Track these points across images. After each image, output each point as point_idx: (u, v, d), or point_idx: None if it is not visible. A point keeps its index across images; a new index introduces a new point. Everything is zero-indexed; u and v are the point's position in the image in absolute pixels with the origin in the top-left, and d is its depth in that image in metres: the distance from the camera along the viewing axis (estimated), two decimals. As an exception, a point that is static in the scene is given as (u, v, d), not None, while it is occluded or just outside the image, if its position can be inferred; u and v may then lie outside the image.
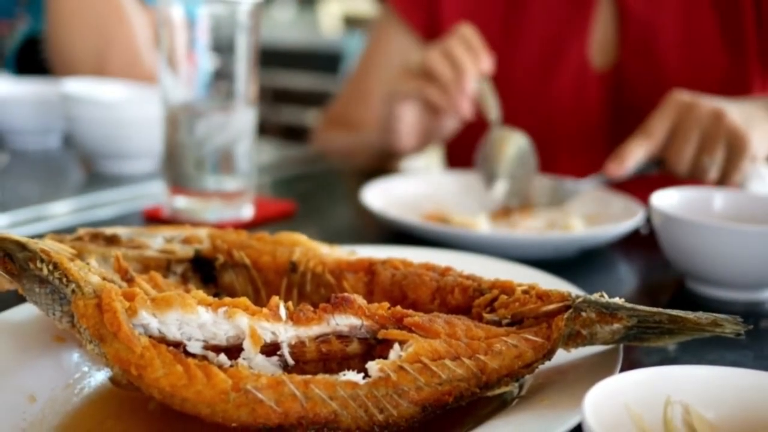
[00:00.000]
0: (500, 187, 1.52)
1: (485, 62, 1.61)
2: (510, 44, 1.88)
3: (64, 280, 0.75)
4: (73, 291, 0.75)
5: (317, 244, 0.96)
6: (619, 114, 1.80)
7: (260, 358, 0.73)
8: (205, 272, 0.96)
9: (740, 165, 1.40)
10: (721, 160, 1.40)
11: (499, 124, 1.60)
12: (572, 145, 1.85)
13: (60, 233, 0.96)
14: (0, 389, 0.76)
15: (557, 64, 1.84)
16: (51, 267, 0.76)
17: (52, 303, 0.77)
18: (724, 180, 1.43)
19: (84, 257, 0.88)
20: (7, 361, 0.80)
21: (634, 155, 1.40)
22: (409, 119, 1.69)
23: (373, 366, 0.72)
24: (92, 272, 0.78)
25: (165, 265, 0.94)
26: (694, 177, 1.42)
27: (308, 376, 0.70)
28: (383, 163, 1.89)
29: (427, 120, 1.70)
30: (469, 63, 1.59)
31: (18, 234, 0.80)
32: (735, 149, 1.39)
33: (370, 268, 0.90)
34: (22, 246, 0.78)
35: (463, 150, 1.84)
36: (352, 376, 0.71)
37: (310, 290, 0.91)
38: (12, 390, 0.77)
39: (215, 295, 0.90)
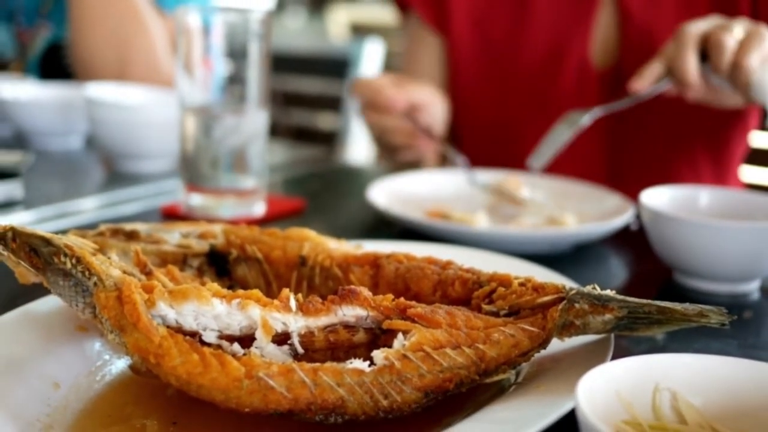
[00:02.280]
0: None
1: (395, 107, 1.63)
2: (516, 42, 1.87)
3: (87, 273, 0.75)
4: (95, 284, 0.75)
5: (325, 238, 0.96)
6: (617, 112, 1.79)
7: (272, 347, 0.73)
8: (220, 266, 0.96)
9: (760, 44, 1.35)
10: (739, 34, 1.36)
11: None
12: (572, 140, 1.84)
13: (82, 229, 0.96)
14: (26, 376, 0.76)
15: (560, 62, 1.83)
16: (74, 261, 0.76)
17: (75, 295, 0.77)
18: (739, 58, 1.35)
19: (105, 252, 0.88)
20: (33, 350, 0.80)
21: (651, 69, 1.43)
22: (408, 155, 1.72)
23: (378, 354, 0.72)
24: (113, 266, 0.78)
25: (182, 259, 0.94)
26: (702, 82, 1.42)
27: (317, 364, 0.70)
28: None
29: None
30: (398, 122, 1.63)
31: (43, 230, 0.80)
32: (752, 32, 1.36)
33: (375, 262, 0.90)
34: (46, 241, 0.78)
35: (481, 151, 1.84)
36: (359, 364, 0.71)
37: (318, 283, 0.91)
38: (37, 377, 0.77)
39: (229, 288, 0.90)
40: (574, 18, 1.83)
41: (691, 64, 1.38)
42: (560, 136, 1.50)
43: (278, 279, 0.93)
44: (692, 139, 1.79)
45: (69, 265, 0.76)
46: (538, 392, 0.74)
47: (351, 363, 0.71)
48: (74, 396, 0.78)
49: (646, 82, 1.43)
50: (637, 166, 1.80)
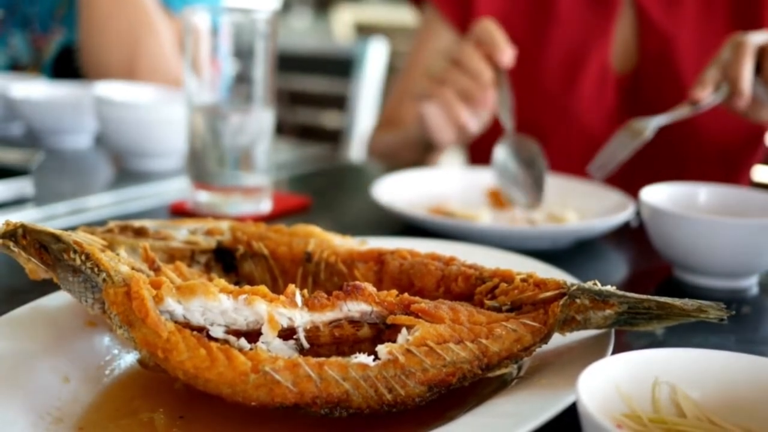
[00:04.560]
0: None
1: (504, 58, 1.53)
2: (538, 46, 1.86)
3: (96, 269, 0.76)
4: (104, 280, 0.75)
5: (331, 235, 0.96)
6: (635, 116, 1.79)
7: (278, 342, 0.73)
8: (227, 262, 0.96)
9: None
10: None
11: (511, 133, 1.54)
12: (590, 143, 1.83)
13: (92, 226, 0.96)
14: (37, 370, 0.77)
15: (581, 66, 1.82)
16: (83, 257, 0.76)
17: (84, 291, 0.77)
18: None
19: (114, 248, 0.88)
20: (43, 345, 0.80)
21: (709, 76, 1.40)
22: (438, 117, 1.61)
23: (382, 349, 0.72)
24: (122, 262, 0.78)
25: (189, 256, 0.95)
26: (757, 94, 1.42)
27: (322, 359, 0.70)
28: (426, 158, 1.86)
29: (454, 117, 1.60)
30: (484, 69, 1.52)
31: (53, 227, 0.80)
32: None
33: (379, 258, 0.90)
34: (56, 238, 0.78)
35: (485, 149, 1.83)
36: (363, 358, 0.71)
37: (324, 279, 0.91)
38: (48, 371, 0.77)
39: (236, 284, 0.90)
40: (595, 23, 1.82)
41: (747, 72, 1.38)
42: (623, 147, 1.44)
43: (284, 275, 0.93)
44: (703, 140, 1.78)
45: (78, 262, 0.76)
46: (539, 386, 0.74)
47: (356, 357, 0.71)
48: (84, 390, 0.78)
49: (707, 89, 1.40)
50: (649, 166, 1.80)
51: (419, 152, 1.83)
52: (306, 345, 0.75)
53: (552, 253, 1.25)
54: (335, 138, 3.19)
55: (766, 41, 1.39)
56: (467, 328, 0.75)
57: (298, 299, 0.76)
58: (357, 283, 0.78)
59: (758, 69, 1.40)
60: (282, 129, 3.20)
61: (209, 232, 0.97)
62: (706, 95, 1.39)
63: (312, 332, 0.75)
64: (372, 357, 0.71)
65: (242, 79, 1.37)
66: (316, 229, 0.96)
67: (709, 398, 0.68)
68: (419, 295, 0.81)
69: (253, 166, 1.40)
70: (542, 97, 1.85)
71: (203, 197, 1.40)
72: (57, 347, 0.81)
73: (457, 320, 0.76)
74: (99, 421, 0.74)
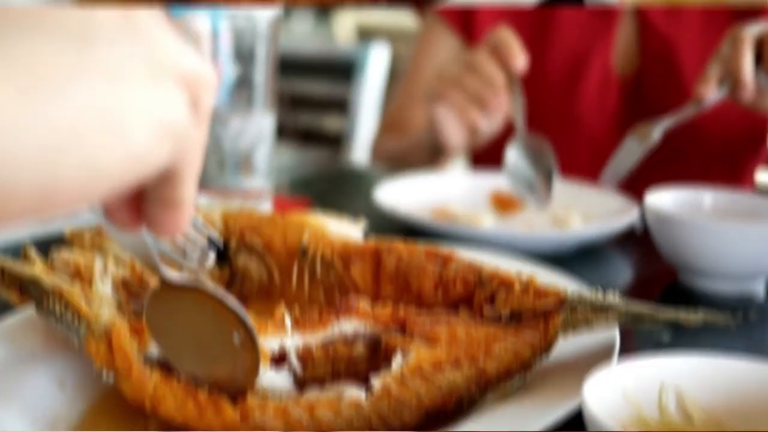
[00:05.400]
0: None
1: (518, 63, 1.52)
2: (539, 50, 1.85)
3: (77, 318, 0.74)
4: (85, 330, 0.74)
5: (326, 221, 0.95)
6: (636, 119, 1.78)
7: (270, 375, 0.72)
8: (219, 255, 0.94)
9: None
10: None
11: (522, 133, 1.52)
12: (593, 146, 1.83)
13: (82, 229, 0.95)
14: (31, 376, 0.76)
15: (583, 69, 1.83)
16: (63, 307, 0.75)
17: (68, 331, 0.76)
18: None
19: (105, 249, 0.87)
20: (39, 350, 0.80)
21: (711, 71, 1.40)
22: (450, 119, 1.60)
23: (375, 382, 0.71)
24: (104, 302, 0.76)
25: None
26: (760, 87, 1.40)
27: (313, 399, 0.69)
28: (433, 163, 1.84)
29: (467, 120, 1.59)
30: (497, 74, 1.52)
31: (50, 229, 0.80)
32: None
33: (376, 255, 0.89)
34: (35, 282, 0.77)
35: (487, 153, 1.83)
36: (355, 393, 0.70)
37: (320, 274, 0.91)
38: (43, 377, 0.77)
39: (230, 279, 0.89)
40: (596, 26, 1.82)
41: (747, 63, 1.37)
42: (632, 153, 1.45)
43: (280, 267, 0.92)
44: (706, 140, 1.78)
45: (58, 310, 0.75)
46: (544, 391, 0.73)
47: (347, 392, 0.70)
48: (79, 396, 0.78)
49: (711, 85, 1.39)
50: (651, 168, 1.79)
51: (427, 157, 1.82)
52: (299, 372, 0.74)
53: (555, 257, 1.24)
54: (336, 142, 3.19)
55: (763, 31, 1.39)
56: (464, 348, 0.74)
57: (288, 323, 0.76)
58: (350, 298, 0.78)
59: (759, 59, 1.39)
60: (283, 132, 3.19)
61: (202, 223, 0.96)
62: (710, 91, 1.39)
63: (305, 353, 0.75)
64: (365, 388, 0.70)
65: (243, 83, 1.36)
66: (310, 219, 0.96)
67: (716, 404, 0.67)
68: (417, 298, 0.81)
69: (253, 170, 1.39)
70: (544, 100, 1.85)
71: (203, 200, 1.40)
72: (52, 353, 0.80)
73: (453, 337, 0.75)
74: (95, 425, 0.74)
